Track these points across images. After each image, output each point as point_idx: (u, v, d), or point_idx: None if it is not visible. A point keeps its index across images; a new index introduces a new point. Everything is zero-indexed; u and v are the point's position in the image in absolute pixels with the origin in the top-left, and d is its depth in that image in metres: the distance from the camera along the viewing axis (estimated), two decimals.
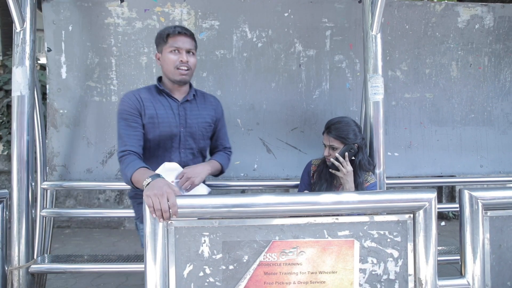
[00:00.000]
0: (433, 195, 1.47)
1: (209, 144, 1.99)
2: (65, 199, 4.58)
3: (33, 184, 2.19)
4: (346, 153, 1.97)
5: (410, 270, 1.48)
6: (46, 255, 2.39)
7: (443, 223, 4.76)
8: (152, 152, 1.80)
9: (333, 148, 2.00)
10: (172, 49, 1.76)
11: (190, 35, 1.80)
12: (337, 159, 1.96)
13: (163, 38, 1.79)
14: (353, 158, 1.99)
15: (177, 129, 1.81)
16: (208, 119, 1.90)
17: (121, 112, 1.76)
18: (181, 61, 1.75)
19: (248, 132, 2.58)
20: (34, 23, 2.19)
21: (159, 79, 1.91)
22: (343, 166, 1.95)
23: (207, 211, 1.42)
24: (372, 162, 2.15)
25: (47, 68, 2.46)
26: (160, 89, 1.83)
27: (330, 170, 2.02)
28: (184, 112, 1.83)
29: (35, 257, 2.28)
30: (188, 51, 1.78)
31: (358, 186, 2.02)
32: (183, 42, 1.77)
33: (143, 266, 1.40)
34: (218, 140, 1.99)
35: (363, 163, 2.03)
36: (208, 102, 1.94)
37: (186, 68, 1.77)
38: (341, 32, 2.59)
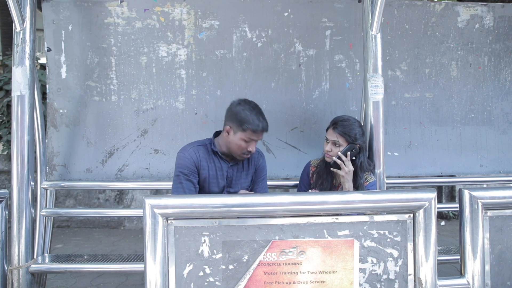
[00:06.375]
0: (433, 195, 1.47)
1: None
2: (65, 199, 4.58)
3: (33, 183, 2.19)
4: (348, 153, 1.97)
5: (410, 270, 1.48)
6: (46, 254, 2.39)
7: (443, 223, 4.76)
8: None
9: (336, 144, 2.01)
10: (247, 139, 1.91)
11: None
12: (339, 158, 1.97)
13: (242, 125, 1.89)
14: (353, 158, 2.00)
15: (222, 187, 2.02)
16: (249, 177, 2.10)
17: (181, 167, 1.94)
18: (249, 151, 1.93)
19: None
20: (34, 22, 2.19)
21: (215, 134, 2.06)
22: (345, 165, 1.96)
23: (207, 210, 1.42)
24: (372, 164, 2.16)
25: (47, 68, 2.46)
26: (214, 150, 2.00)
27: (331, 168, 2.02)
28: (232, 174, 2.03)
29: (35, 256, 2.28)
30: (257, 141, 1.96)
31: (359, 187, 2.02)
32: (259, 137, 1.94)
33: (143, 266, 1.40)
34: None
35: (364, 165, 2.04)
36: (252, 160, 2.10)
37: (249, 154, 1.97)
38: (341, 31, 2.59)
